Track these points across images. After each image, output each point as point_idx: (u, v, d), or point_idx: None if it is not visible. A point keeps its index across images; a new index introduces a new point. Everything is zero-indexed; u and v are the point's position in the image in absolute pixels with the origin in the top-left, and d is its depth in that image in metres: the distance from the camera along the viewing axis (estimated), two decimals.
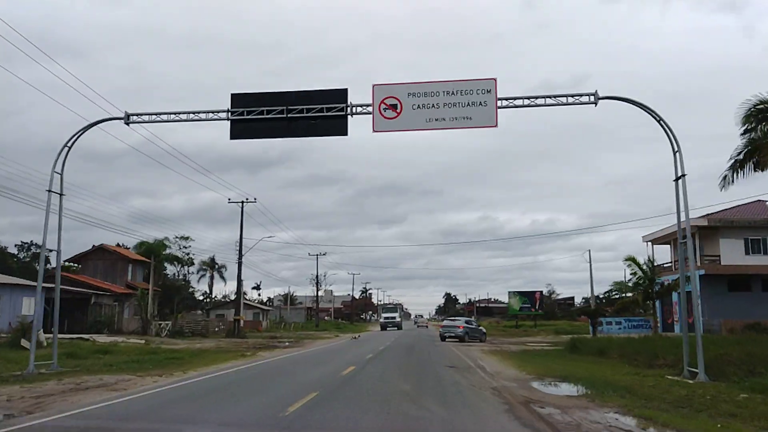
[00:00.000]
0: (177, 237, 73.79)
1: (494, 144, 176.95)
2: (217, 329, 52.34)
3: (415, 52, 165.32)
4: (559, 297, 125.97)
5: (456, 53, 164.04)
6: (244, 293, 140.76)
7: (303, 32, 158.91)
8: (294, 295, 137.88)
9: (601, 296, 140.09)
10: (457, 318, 48.55)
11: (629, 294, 41.53)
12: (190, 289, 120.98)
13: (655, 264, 49.20)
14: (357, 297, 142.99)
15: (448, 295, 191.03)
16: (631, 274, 37.68)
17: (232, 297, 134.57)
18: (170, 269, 76.45)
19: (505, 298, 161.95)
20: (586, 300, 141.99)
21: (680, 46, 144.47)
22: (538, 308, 78.43)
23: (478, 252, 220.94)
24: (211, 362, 21.50)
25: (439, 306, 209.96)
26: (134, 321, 45.58)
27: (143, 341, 34.06)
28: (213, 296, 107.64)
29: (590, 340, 28.35)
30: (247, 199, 49.40)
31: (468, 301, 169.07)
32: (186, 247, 73.75)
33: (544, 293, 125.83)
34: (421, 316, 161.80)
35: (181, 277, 75.73)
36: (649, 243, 50.46)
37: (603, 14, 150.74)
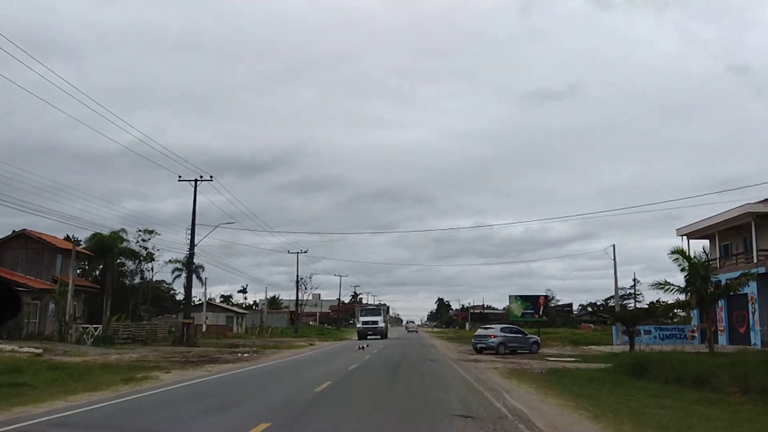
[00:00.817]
0: (140, 230, 64.44)
1: (487, 151, 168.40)
2: (167, 335, 43.02)
3: (409, 58, 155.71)
4: (558, 303, 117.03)
5: (451, 60, 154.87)
6: (228, 296, 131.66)
7: (297, 35, 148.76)
8: (280, 298, 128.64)
9: (598, 303, 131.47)
10: (490, 326, 38.06)
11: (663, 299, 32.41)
12: (172, 292, 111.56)
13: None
14: (346, 301, 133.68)
15: (440, 301, 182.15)
16: (680, 269, 28.70)
17: (216, 299, 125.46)
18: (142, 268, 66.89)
19: (499, 305, 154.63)
20: (589, 306, 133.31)
21: (675, 55, 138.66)
22: (542, 314, 69.25)
23: (471, 259, 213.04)
24: (41, 398, 12.14)
25: (431, 312, 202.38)
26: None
27: (37, 350, 24.71)
28: (191, 299, 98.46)
29: (654, 358, 19.51)
30: (201, 177, 40.11)
31: (461, 307, 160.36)
32: (144, 241, 64.11)
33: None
34: (413, 322, 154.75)
35: (145, 275, 65.80)
36: (684, 237, 41.63)
37: (598, 22, 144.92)
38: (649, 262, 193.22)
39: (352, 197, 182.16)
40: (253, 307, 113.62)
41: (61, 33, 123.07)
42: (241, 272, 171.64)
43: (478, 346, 33.43)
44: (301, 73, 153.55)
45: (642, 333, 43.24)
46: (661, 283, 32.98)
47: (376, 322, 57.06)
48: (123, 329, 37.76)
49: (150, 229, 66.94)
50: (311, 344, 44.66)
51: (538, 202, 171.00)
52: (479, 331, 35.99)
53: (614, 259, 44.53)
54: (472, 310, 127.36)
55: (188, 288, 41.25)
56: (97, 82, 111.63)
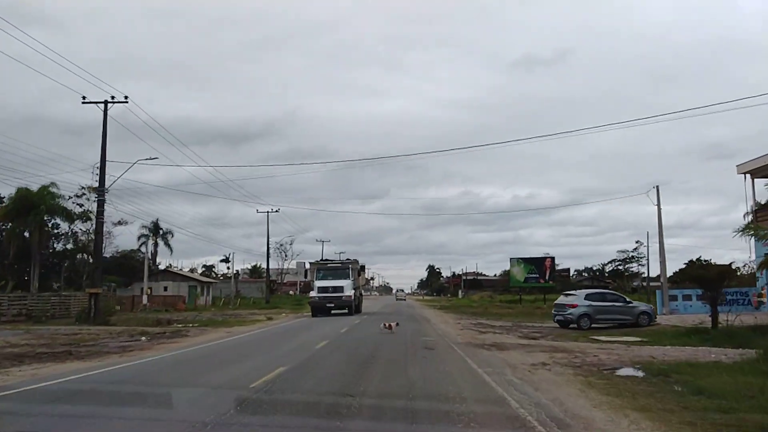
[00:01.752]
0: (84, 187, 53.61)
1: (476, 119, 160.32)
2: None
3: (398, 25, 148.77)
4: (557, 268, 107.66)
5: (439, 26, 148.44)
6: (211, 266, 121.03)
7: (283, 2, 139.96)
8: (261, 267, 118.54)
9: (595, 269, 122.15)
10: (572, 291, 28.47)
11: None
12: (140, 257, 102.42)
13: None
14: None
15: (431, 268, 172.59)
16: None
17: (184, 268, 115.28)
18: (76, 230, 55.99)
19: (489, 272, 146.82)
20: (585, 272, 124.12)
21: (664, 22, 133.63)
22: (548, 279, 59.57)
23: (460, 227, 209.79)
24: None
25: (421, 280, 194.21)
26: None
27: None
28: (158, 267, 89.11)
29: None
30: (113, 97, 29.11)
31: (452, 273, 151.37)
32: (89, 200, 53.37)
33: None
34: (402, 290, 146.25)
35: (81, 239, 55.10)
36: (747, 175, 31.74)
37: None
38: (635, 228, 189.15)
39: (340, 166, 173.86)
40: (235, 277, 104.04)
41: (44, 2, 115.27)
42: (225, 243, 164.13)
43: (556, 318, 25.27)
44: (288, 41, 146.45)
45: (680, 299, 33.77)
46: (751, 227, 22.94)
47: (340, 290, 35.69)
48: (11, 303, 27.37)
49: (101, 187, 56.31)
50: (270, 318, 34.50)
51: (528, 169, 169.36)
52: (560, 299, 26.56)
53: (658, 204, 34.26)
54: (465, 277, 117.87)
55: (97, 246, 30.61)
56: (82, 51, 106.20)
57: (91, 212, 54.61)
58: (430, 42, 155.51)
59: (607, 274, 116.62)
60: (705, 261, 36.21)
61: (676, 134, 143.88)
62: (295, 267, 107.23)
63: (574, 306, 24.06)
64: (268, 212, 58.00)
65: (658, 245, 33.83)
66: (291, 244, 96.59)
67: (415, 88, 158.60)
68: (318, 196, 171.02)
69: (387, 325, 20.32)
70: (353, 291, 36.61)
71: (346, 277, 36.78)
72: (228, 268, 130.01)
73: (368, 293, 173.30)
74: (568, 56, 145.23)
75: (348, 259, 43.40)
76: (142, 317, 32.55)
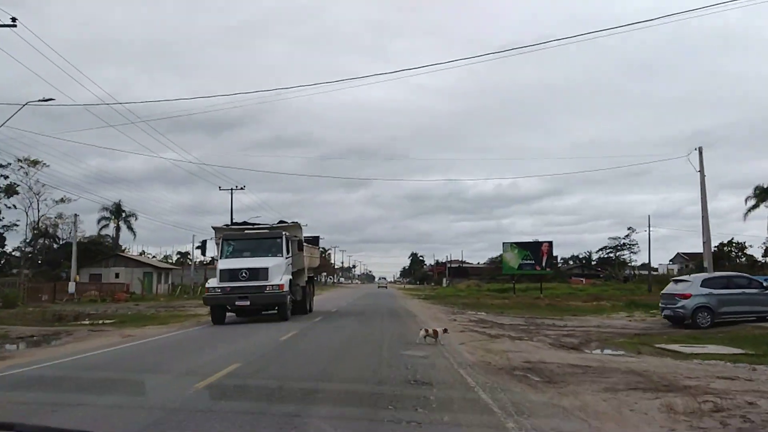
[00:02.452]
0: (19, 159, 45.76)
1: (459, 108, 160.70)
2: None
3: (380, 12, 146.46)
4: None
5: (422, 12, 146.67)
6: (185, 253, 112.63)
7: None
8: None
9: (581, 257, 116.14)
10: (682, 278, 21.58)
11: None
12: (109, 242, 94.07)
13: None
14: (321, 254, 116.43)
15: (414, 256, 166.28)
16: None
17: (173, 256, 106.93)
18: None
19: (473, 260, 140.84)
20: (571, 259, 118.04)
21: (645, 8, 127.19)
22: (545, 266, 52.91)
23: (443, 216, 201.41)
24: None
25: (404, 268, 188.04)
26: None
27: None
28: (122, 251, 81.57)
29: None
30: None
31: (435, 261, 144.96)
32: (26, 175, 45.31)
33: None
34: (384, 278, 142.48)
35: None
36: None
37: None
38: (618, 217, 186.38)
39: (322, 155, 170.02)
40: (200, 264, 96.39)
41: None
42: (205, 231, 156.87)
43: (664, 312, 18.80)
44: (269, 26, 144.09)
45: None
46: None
47: (260, 275, 20.28)
48: None
49: (36, 159, 48.38)
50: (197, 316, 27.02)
51: (510, 157, 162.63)
52: (668, 288, 19.35)
53: (701, 168, 27.30)
54: (449, 265, 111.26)
55: None
56: (59, 35, 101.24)
57: (15, 184, 46.79)
58: (412, 29, 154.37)
59: (594, 262, 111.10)
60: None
61: (656, 123, 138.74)
62: None
63: (686, 296, 17.24)
64: (231, 189, 50.51)
65: (701, 219, 26.86)
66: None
67: (398, 75, 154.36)
68: (302, 184, 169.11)
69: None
70: (289, 277, 21.30)
71: (273, 250, 21.41)
72: (203, 254, 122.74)
73: (349, 281, 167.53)
74: (549, 44, 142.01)
75: (280, 222, 24.32)
76: (50, 310, 25.08)
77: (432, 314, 25.38)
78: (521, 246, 53.44)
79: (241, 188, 51.34)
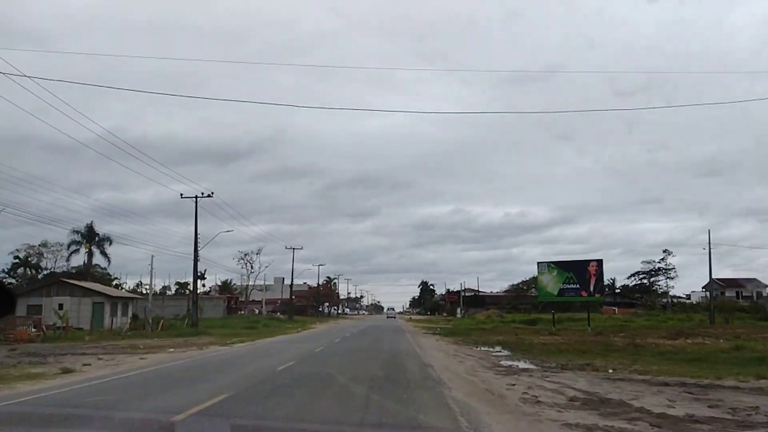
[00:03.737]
0: None
1: (466, 136, 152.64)
2: None
3: (387, 40, 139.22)
4: None
5: (428, 41, 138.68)
6: (185, 283, 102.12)
7: (272, 18, 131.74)
8: (231, 282, 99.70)
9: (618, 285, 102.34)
10: None
11: None
12: (97, 271, 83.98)
13: None
14: (320, 284, 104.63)
15: (424, 284, 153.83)
16: None
17: (172, 287, 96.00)
18: None
19: (485, 289, 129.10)
20: (610, 284, 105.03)
21: (653, 36, 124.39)
22: (594, 291, 40.91)
23: (451, 245, 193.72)
24: None
25: (413, 298, 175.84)
26: None
27: None
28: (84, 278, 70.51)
29: None
30: None
31: (447, 291, 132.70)
32: None
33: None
34: (392, 309, 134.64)
35: None
36: None
37: (576, 2, 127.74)
38: (627, 246, 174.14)
39: (329, 185, 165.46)
40: (160, 294, 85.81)
41: (28, 18, 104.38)
42: (207, 262, 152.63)
43: None
44: (277, 58, 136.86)
45: None
46: None
47: None
48: None
49: None
50: (144, 357, 15.64)
51: (518, 187, 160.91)
52: None
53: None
54: (463, 293, 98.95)
55: None
56: (68, 69, 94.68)
57: None
58: (418, 58, 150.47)
59: (618, 290, 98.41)
60: None
61: (668, 149, 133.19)
62: (263, 282, 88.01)
63: None
64: (196, 198, 39.25)
65: None
66: (258, 254, 77.14)
67: (404, 104, 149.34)
68: (308, 214, 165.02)
69: None
70: None
71: None
72: (203, 285, 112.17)
73: (355, 312, 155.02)
74: (558, 72, 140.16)
75: None
76: None
77: (467, 370, 13.58)
78: (563, 266, 41.58)
79: (209, 195, 40.02)
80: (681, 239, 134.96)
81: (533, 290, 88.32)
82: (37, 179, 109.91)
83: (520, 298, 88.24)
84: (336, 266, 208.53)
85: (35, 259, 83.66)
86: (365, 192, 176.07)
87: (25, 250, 79.01)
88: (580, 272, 40.44)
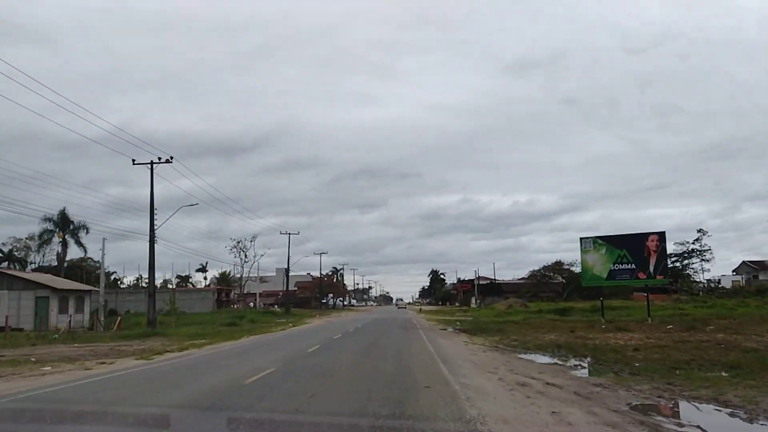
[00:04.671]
0: None
1: (472, 125, 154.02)
2: None
3: (391, 30, 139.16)
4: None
5: (433, 29, 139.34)
6: (186, 277, 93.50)
7: (276, 10, 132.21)
8: (229, 274, 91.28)
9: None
10: None
11: None
12: (91, 264, 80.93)
13: None
14: (322, 274, 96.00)
15: (434, 274, 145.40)
16: None
17: (173, 280, 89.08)
18: None
19: (498, 277, 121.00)
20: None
21: (659, 21, 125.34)
22: (656, 271, 31.84)
23: (459, 234, 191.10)
24: None
25: (423, 288, 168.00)
26: None
27: None
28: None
29: None
30: None
31: (457, 279, 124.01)
32: None
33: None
34: (401, 299, 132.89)
35: None
36: None
37: None
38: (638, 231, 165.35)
39: (335, 176, 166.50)
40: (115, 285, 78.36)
41: (35, 17, 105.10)
42: (213, 256, 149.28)
43: None
44: (280, 49, 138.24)
45: None
46: None
47: None
48: None
49: None
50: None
51: (526, 175, 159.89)
52: None
53: None
54: (477, 281, 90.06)
55: None
56: (73, 67, 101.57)
57: None
58: (422, 46, 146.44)
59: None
60: None
61: (674, 136, 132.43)
62: (257, 273, 79.45)
63: None
64: (151, 164, 30.50)
65: None
66: (252, 241, 68.24)
67: (408, 94, 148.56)
68: (315, 206, 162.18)
69: None
70: None
71: None
72: (204, 277, 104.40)
73: (363, 303, 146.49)
74: (563, 58, 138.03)
75: None
76: None
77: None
78: (613, 242, 32.54)
79: (168, 161, 31.21)
80: (692, 224, 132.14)
81: (557, 276, 79.46)
82: (47, 176, 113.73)
83: (541, 285, 79.25)
84: (345, 258, 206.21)
85: (23, 253, 76.03)
86: (372, 183, 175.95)
87: (11, 244, 71.83)
88: (636, 249, 31.46)
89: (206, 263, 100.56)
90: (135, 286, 75.29)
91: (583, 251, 33.39)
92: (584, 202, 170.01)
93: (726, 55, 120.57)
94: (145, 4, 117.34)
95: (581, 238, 33.63)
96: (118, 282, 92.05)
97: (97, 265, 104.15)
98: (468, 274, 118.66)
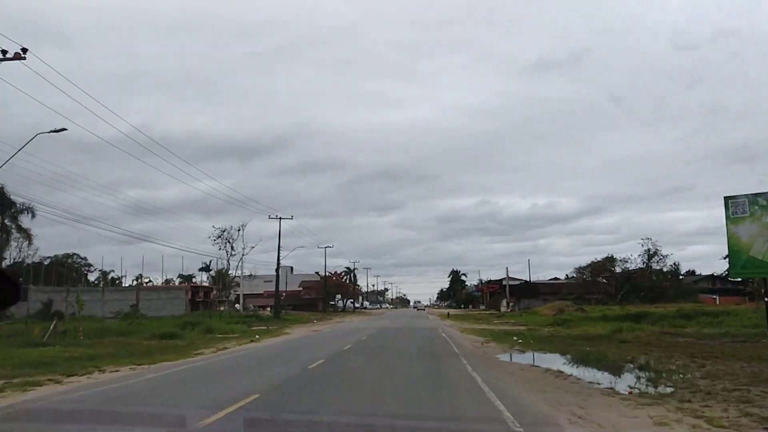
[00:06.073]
0: None
1: (490, 127, 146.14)
2: None
3: (410, 31, 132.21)
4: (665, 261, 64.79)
5: (452, 30, 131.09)
6: (189, 276, 79.52)
7: (295, 11, 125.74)
8: (225, 270, 77.67)
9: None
10: None
11: None
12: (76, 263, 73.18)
13: None
14: (328, 273, 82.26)
15: (454, 274, 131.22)
16: None
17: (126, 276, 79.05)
18: None
19: (521, 276, 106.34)
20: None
21: (682, 19, 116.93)
22: None
23: (477, 237, 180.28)
24: None
25: (441, 290, 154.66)
26: None
27: None
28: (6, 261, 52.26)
29: None
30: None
31: (479, 281, 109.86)
32: None
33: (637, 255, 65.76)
34: (419, 302, 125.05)
35: None
36: None
37: None
38: (659, 236, 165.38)
39: (353, 178, 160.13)
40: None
41: (53, 18, 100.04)
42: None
43: None
44: (299, 51, 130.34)
45: None
46: None
47: None
48: None
49: None
50: None
51: (545, 177, 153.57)
52: None
53: None
54: (508, 282, 75.60)
55: None
56: (92, 68, 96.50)
57: None
58: (442, 48, 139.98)
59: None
60: None
61: (697, 137, 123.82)
62: (241, 270, 65.77)
63: None
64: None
65: None
66: (240, 230, 53.69)
67: (427, 96, 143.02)
68: (333, 209, 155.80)
69: None
70: None
71: None
72: (210, 275, 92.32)
73: (377, 306, 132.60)
74: (584, 58, 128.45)
75: None
76: None
77: None
78: None
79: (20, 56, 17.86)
80: (714, 228, 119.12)
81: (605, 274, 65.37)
82: (67, 178, 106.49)
83: (588, 285, 64.97)
84: (362, 260, 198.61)
85: None
86: (389, 185, 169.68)
87: None
88: None
89: (210, 262, 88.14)
90: (95, 283, 61.92)
91: (732, 220, 19.37)
92: (604, 204, 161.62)
93: (749, 53, 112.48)
94: (164, 5, 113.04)
95: (727, 198, 19.60)
96: (117, 282, 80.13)
97: (84, 261, 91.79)
98: (486, 277, 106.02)
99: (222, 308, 54.97)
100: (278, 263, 49.01)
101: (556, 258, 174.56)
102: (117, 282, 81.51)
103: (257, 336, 24.72)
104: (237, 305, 54.31)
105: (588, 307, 49.36)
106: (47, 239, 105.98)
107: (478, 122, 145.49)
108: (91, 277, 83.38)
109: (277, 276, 49.68)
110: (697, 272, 75.41)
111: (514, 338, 20.60)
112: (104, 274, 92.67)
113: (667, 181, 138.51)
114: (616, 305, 54.20)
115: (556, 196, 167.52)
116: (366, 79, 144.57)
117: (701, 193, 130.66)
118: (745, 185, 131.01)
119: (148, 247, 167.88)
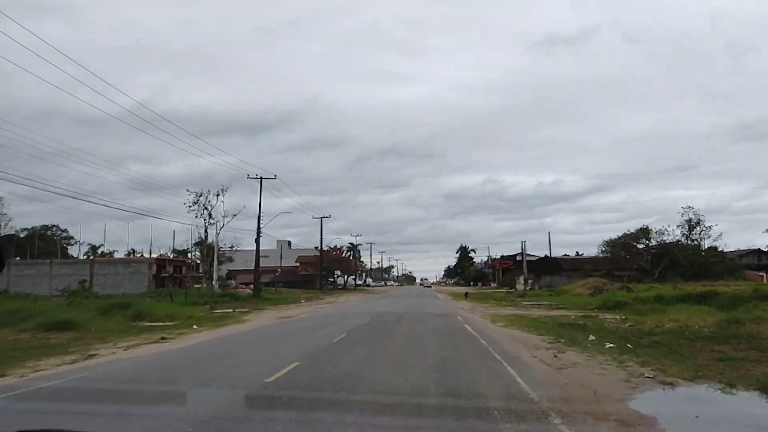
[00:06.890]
0: None
1: (498, 104, 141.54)
2: None
3: (418, 6, 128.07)
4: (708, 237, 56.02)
5: (459, 5, 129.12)
6: (184, 250, 69.27)
7: None
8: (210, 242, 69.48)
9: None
10: None
11: None
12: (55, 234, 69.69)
13: None
14: (324, 246, 73.70)
15: (462, 250, 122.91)
16: None
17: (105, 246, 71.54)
18: None
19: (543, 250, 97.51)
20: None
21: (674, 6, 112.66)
22: None
23: (484, 215, 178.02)
24: None
25: (448, 267, 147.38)
26: None
27: None
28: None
29: None
30: None
31: (488, 257, 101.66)
32: None
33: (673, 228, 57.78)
34: (426, 279, 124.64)
35: None
36: None
37: None
38: (663, 214, 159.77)
39: (360, 156, 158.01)
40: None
41: None
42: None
43: None
44: (305, 26, 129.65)
45: None
46: None
47: None
48: None
49: None
50: None
51: (552, 155, 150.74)
52: None
53: None
54: (524, 258, 66.77)
55: None
56: (97, 41, 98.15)
57: None
58: (449, 23, 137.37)
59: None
60: None
61: (703, 115, 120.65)
62: (231, 244, 57.45)
63: None
64: None
65: None
66: (219, 195, 44.55)
67: (435, 72, 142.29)
68: (339, 186, 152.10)
69: None
70: None
71: None
72: (200, 252, 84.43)
73: (381, 283, 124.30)
74: (594, 34, 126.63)
75: None
76: None
77: None
78: None
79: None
80: (719, 206, 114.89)
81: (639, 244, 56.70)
82: (68, 153, 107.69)
83: (618, 260, 56.35)
84: (368, 237, 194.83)
85: None
86: (396, 162, 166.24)
87: None
88: None
89: (206, 235, 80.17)
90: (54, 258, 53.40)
91: None
92: (610, 182, 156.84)
93: (763, 35, 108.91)
94: None
95: None
96: (106, 255, 72.46)
97: (65, 233, 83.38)
98: (523, 244, 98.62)
99: (199, 285, 46.82)
100: (258, 231, 40.50)
101: (561, 236, 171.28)
102: (107, 255, 73.75)
103: (180, 332, 16.14)
104: (213, 281, 46.16)
105: (636, 284, 40.89)
106: (45, 214, 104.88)
107: (485, 99, 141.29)
108: (74, 251, 75.71)
109: (257, 246, 41.20)
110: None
111: (591, 337, 12.04)
112: (94, 248, 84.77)
113: (673, 159, 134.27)
114: (655, 282, 45.80)
115: (563, 174, 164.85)
116: (373, 55, 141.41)
117: (706, 172, 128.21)
118: (752, 164, 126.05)
119: (156, 224, 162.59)
